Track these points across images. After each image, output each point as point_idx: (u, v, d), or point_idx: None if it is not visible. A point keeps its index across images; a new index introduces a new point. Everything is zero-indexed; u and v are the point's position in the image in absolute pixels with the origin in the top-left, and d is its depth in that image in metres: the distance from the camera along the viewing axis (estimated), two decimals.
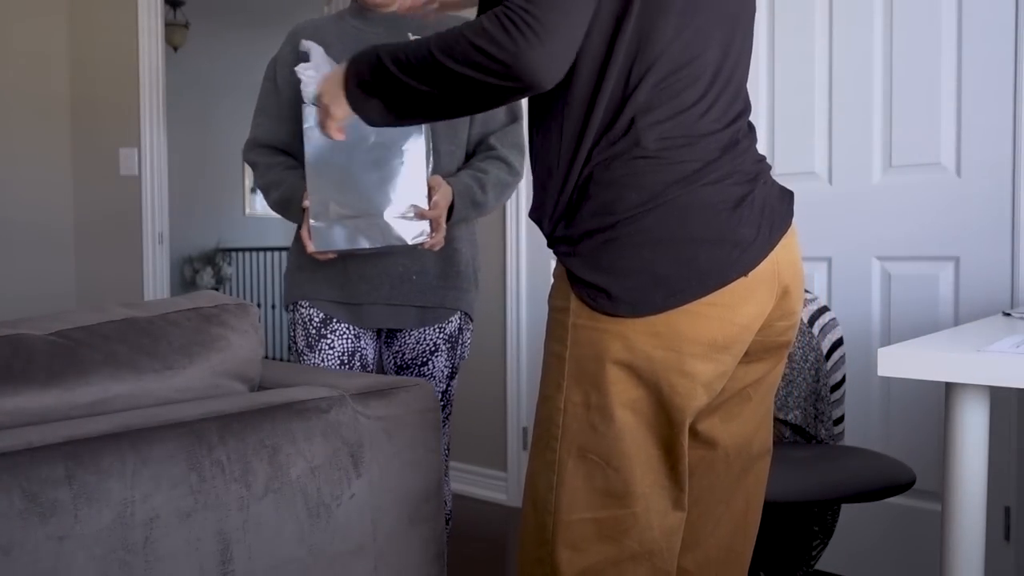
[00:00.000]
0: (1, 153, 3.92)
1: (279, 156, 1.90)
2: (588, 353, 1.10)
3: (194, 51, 6.91)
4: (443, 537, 1.39)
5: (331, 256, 1.74)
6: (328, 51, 1.82)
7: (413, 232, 1.67)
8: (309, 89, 1.74)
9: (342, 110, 1.19)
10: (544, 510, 1.14)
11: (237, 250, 7.90)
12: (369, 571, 1.26)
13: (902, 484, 1.68)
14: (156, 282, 3.93)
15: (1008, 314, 1.80)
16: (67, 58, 4.09)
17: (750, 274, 1.09)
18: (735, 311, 1.10)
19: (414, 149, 1.66)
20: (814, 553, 1.91)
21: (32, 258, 4.01)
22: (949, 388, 1.26)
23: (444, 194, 1.73)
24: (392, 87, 1.12)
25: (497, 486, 3.30)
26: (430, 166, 1.73)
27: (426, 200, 1.68)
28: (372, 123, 1.18)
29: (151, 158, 3.91)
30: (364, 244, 1.68)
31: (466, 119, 1.87)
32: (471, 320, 1.96)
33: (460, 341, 1.93)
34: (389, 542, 1.29)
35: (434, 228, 1.71)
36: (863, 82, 2.43)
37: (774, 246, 1.12)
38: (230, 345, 1.26)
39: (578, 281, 1.10)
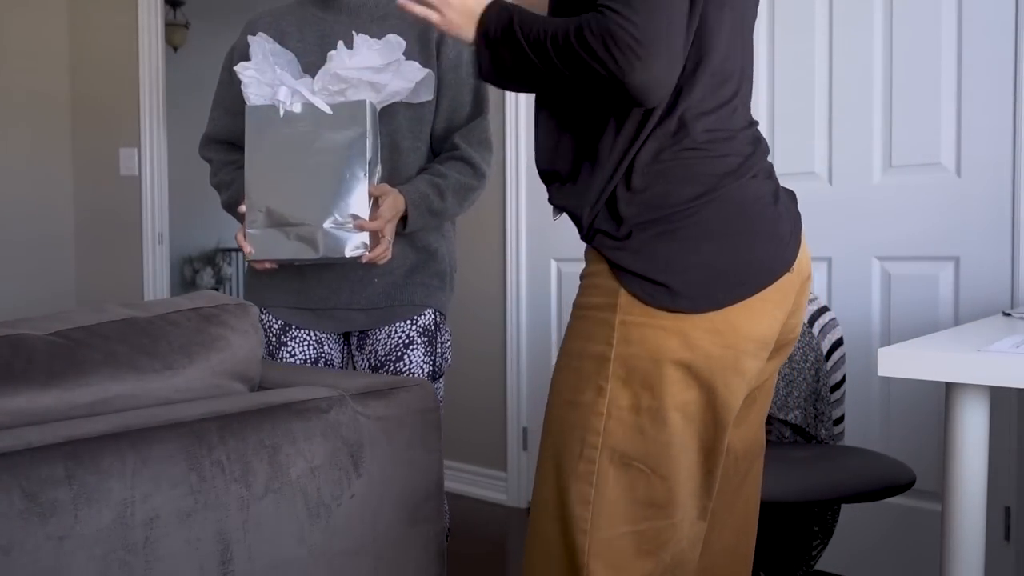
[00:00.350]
0: (1, 153, 3.92)
1: (233, 154, 1.83)
2: (641, 352, 1.05)
3: (194, 51, 6.90)
4: (443, 537, 1.38)
5: (269, 266, 1.65)
6: (285, 41, 1.74)
7: (352, 244, 1.57)
8: (249, 90, 1.63)
9: (462, 23, 1.13)
10: (576, 529, 1.06)
11: (237, 250, 7.90)
12: (369, 571, 1.26)
13: (902, 484, 1.68)
14: (156, 282, 3.93)
15: (1008, 314, 1.80)
16: (67, 58, 4.09)
17: (792, 268, 1.10)
18: (779, 306, 1.09)
19: (357, 156, 1.58)
20: (814, 553, 1.91)
21: (32, 258, 4.01)
22: (949, 388, 1.26)
23: (391, 204, 1.63)
24: (515, 52, 1.07)
25: (497, 486, 3.30)
26: (376, 175, 1.64)
27: (367, 210, 1.58)
28: (480, 70, 1.13)
29: (151, 158, 3.91)
30: (300, 255, 1.59)
31: (431, 113, 1.78)
32: (446, 320, 1.84)
33: (438, 339, 1.80)
34: (389, 542, 1.29)
35: (377, 240, 1.61)
36: (863, 82, 2.43)
37: (800, 241, 1.13)
38: (230, 345, 1.26)
39: (631, 275, 1.06)
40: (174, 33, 5.87)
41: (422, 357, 1.77)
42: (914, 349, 1.22)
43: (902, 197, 2.37)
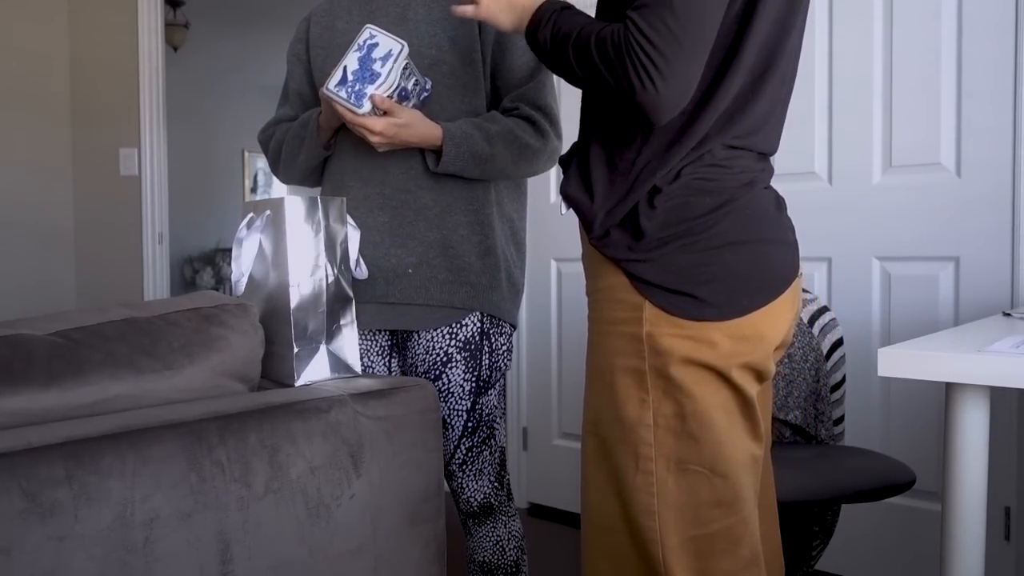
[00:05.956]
0: (1, 153, 3.92)
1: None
2: (673, 360, 1.08)
3: (194, 51, 6.90)
4: (443, 537, 1.38)
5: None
6: (335, 22, 1.71)
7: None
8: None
9: (499, 13, 1.19)
10: (648, 539, 1.09)
11: None
12: (369, 571, 1.26)
13: (902, 484, 1.68)
14: (156, 282, 3.93)
15: (1008, 314, 1.79)
16: (67, 58, 4.09)
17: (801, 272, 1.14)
18: (791, 308, 1.14)
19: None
20: (814, 553, 1.91)
21: (32, 258, 4.01)
22: (949, 388, 1.26)
23: (414, 116, 1.52)
24: (546, 47, 1.12)
25: None
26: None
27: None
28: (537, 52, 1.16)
29: (151, 158, 3.91)
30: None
31: (479, 80, 1.63)
32: (503, 323, 1.66)
33: (485, 348, 1.63)
34: (389, 542, 1.29)
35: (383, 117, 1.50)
36: (863, 82, 2.43)
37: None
38: (230, 345, 1.26)
39: (655, 288, 1.08)
40: (174, 33, 5.87)
41: (462, 375, 1.62)
42: (914, 349, 1.22)
43: (902, 197, 2.37)
